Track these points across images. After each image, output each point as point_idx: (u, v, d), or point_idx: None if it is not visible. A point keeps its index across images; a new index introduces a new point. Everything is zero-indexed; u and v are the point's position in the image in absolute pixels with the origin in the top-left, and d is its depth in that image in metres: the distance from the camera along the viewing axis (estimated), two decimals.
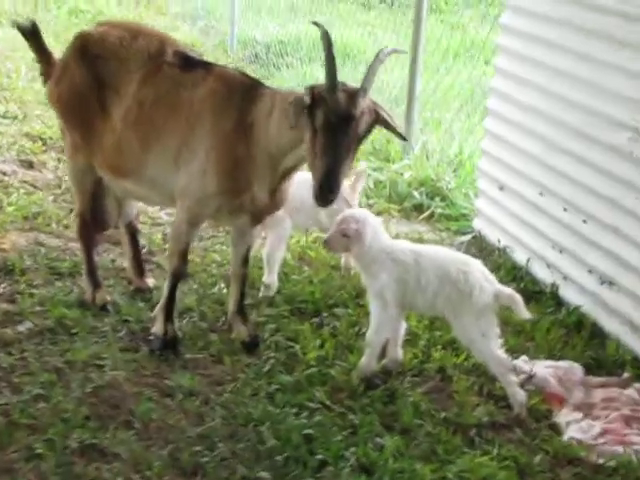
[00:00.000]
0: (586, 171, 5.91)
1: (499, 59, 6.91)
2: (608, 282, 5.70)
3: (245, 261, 5.19)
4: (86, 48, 5.10)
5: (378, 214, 7.24)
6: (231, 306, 5.23)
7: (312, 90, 4.33)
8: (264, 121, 4.65)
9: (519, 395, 4.80)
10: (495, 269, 6.28)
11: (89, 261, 5.42)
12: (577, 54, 5.95)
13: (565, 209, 6.10)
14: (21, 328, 4.97)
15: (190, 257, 5.86)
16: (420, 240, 6.90)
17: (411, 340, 5.32)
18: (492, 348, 4.77)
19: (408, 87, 8.36)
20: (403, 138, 4.88)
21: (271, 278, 5.69)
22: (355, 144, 4.37)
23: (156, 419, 4.42)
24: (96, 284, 5.37)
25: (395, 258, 4.86)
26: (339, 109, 4.22)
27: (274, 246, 5.66)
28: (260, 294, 5.66)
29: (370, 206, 7.62)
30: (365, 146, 8.31)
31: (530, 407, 4.80)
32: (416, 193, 7.80)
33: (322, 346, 5.15)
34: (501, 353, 4.79)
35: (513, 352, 5.26)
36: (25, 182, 7.20)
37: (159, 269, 5.91)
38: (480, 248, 6.88)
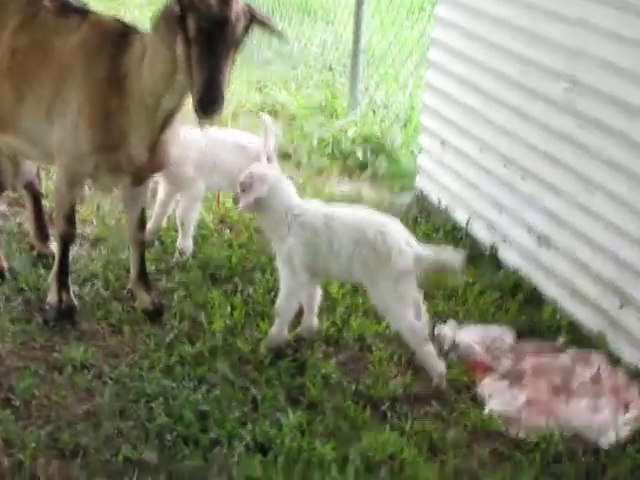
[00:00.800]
0: (524, 125, 5.58)
1: (440, 8, 6.53)
2: (546, 243, 5.36)
3: (141, 225, 4.85)
4: None
5: (319, 172, 6.94)
6: (133, 273, 4.89)
7: (182, 1, 3.96)
8: (136, 68, 4.30)
9: (438, 366, 4.48)
10: (434, 230, 5.97)
11: None
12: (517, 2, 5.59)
13: (504, 165, 5.74)
14: None
15: (104, 220, 5.57)
16: (358, 199, 6.55)
17: (330, 307, 4.99)
18: (407, 315, 4.44)
19: (353, 40, 7.98)
20: (283, 38, 4.51)
21: (185, 242, 5.37)
22: (233, 50, 4.02)
23: (39, 396, 4.11)
24: None
25: (303, 221, 4.52)
26: (213, 13, 3.89)
27: (187, 209, 5.33)
28: (174, 259, 5.32)
29: (311, 164, 7.25)
30: (310, 101, 7.98)
31: (452, 378, 4.50)
32: (359, 150, 7.41)
33: (232, 314, 4.78)
34: (416, 321, 4.45)
35: (441, 317, 4.95)
36: None
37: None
38: (421, 208, 6.53)
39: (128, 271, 5.09)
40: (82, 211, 5.84)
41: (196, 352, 4.50)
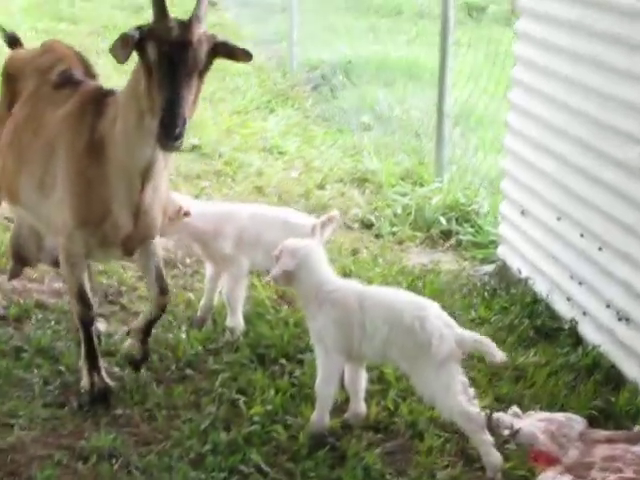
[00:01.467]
0: (599, 192, 5.21)
1: (516, 70, 6.23)
2: (625, 318, 4.93)
3: (162, 289, 4.62)
4: (7, 68, 4.86)
5: (400, 242, 6.67)
6: (140, 322, 4.73)
7: (140, 27, 3.86)
8: (110, 129, 4.16)
9: (493, 456, 4.11)
10: (513, 303, 5.61)
11: None
12: (589, 60, 5.24)
13: (582, 235, 5.36)
14: None
15: None
16: (436, 270, 6.24)
17: (382, 391, 4.65)
18: (458, 402, 4.09)
19: (437, 104, 7.70)
20: (249, 57, 4.13)
21: (234, 321, 5.15)
22: (196, 76, 3.87)
23: None
24: None
25: (335, 298, 4.24)
26: (172, 37, 3.80)
27: (231, 287, 5.13)
28: (224, 338, 5.08)
29: (393, 234, 7.00)
30: (398, 168, 7.73)
31: (510, 469, 4.11)
32: (443, 219, 7.10)
33: (275, 399, 4.52)
34: (470, 407, 4.10)
35: (505, 401, 4.57)
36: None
37: (124, 311, 5.38)
38: (501, 279, 6.16)
39: (175, 352, 4.91)
40: (140, 286, 5.70)
41: (230, 440, 4.25)
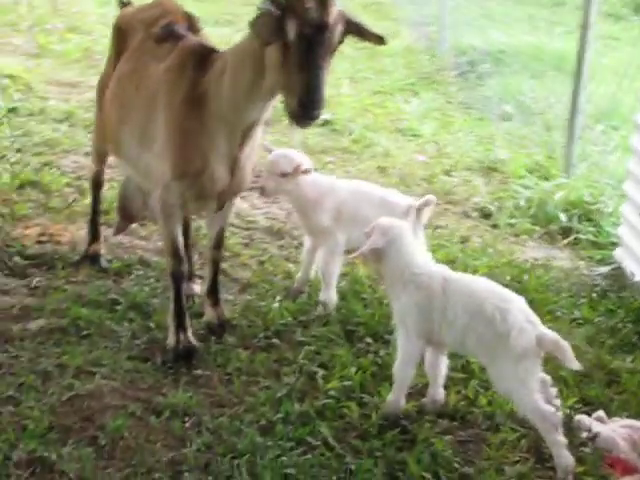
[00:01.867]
0: None
1: None
2: None
3: (218, 243, 4.81)
4: (117, 22, 5.00)
5: (517, 235, 6.55)
6: (204, 287, 4.86)
7: (276, 1, 3.81)
8: (215, 85, 4.21)
9: (565, 458, 4.00)
10: (618, 307, 5.44)
11: (93, 212, 5.42)
12: None
13: None
14: (31, 325, 4.70)
15: (261, 266, 5.48)
16: (548, 266, 6.10)
17: (464, 380, 4.59)
18: (534, 400, 4.00)
19: (571, 99, 7.48)
20: (381, 41, 4.08)
21: (327, 295, 5.14)
22: (331, 56, 3.88)
23: (127, 437, 4.00)
24: (94, 236, 5.40)
25: (420, 281, 4.19)
26: (313, 18, 3.77)
27: (327, 261, 5.11)
28: (316, 312, 5.10)
29: (511, 225, 6.86)
30: (525, 161, 7.60)
31: (581, 473, 4.01)
32: (564, 215, 6.92)
33: (354, 375, 4.51)
34: (545, 406, 4.00)
35: (591, 405, 4.46)
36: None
37: (224, 276, 5.45)
38: (614, 281, 5.97)
39: (265, 320, 4.95)
40: (244, 254, 5.77)
41: (302, 411, 4.26)
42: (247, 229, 6.20)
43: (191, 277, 5.24)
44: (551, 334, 4.02)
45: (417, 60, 11.97)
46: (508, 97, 10.41)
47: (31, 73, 8.21)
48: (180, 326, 4.58)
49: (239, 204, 6.52)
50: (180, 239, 4.58)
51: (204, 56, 4.36)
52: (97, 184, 5.38)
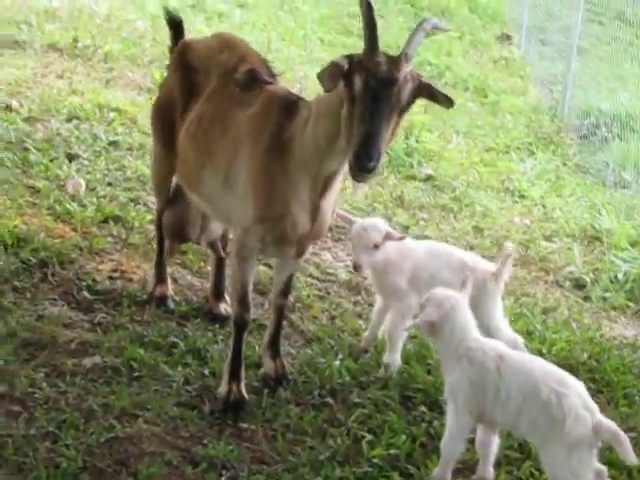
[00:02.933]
0: None
1: None
2: None
3: (285, 291, 4.76)
4: (184, 56, 4.98)
5: (609, 310, 6.30)
6: (266, 336, 4.80)
7: (350, 56, 3.88)
8: (300, 133, 4.22)
9: None
10: None
11: (159, 253, 5.40)
12: None
13: None
14: (86, 361, 4.68)
15: (331, 320, 5.40)
16: (636, 345, 5.84)
17: (518, 460, 4.40)
18: None
19: None
20: (451, 103, 4.02)
21: (391, 358, 5.01)
22: (397, 113, 3.86)
23: None
24: (160, 278, 5.36)
25: (473, 357, 4.04)
26: (380, 72, 3.80)
27: (396, 323, 4.96)
28: (378, 373, 4.97)
29: (604, 299, 6.61)
30: (632, 232, 7.33)
31: None
32: None
33: (404, 444, 4.36)
34: None
35: None
36: None
37: (291, 328, 5.39)
38: None
39: (321, 376, 4.85)
40: (316, 306, 5.70)
41: (342, 476, 4.15)
42: (324, 281, 6.11)
43: (220, 296, 5.29)
44: (609, 424, 3.82)
45: (539, 119, 11.72)
46: (628, 163, 10.09)
47: (139, 107, 8.32)
48: (234, 376, 4.53)
49: (322, 255, 6.45)
50: (250, 287, 4.53)
51: (290, 103, 4.38)
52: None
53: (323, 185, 4.29)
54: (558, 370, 4.06)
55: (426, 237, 6.96)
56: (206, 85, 4.79)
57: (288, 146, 4.27)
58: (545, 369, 4.03)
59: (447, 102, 4.01)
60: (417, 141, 9.12)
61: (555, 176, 9.67)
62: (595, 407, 3.88)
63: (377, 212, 7.26)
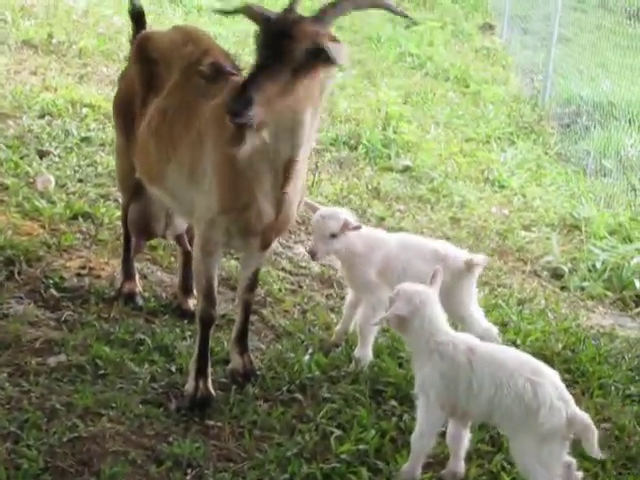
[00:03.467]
0: None
1: None
2: None
3: (252, 286, 4.69)
4: (144, 48, 4.91)
5: (587, 299, 6.25)
6: (233, 332, 4.73)
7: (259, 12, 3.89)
8: None
9: None
10: None
11: (126, 250, 5.34)
12: None
13: None
14: (50, 360, 4.61)
15: (303, 314, 5.35)
16: (613, 335, 5.79)
17: (490, 453, 4.34)
18: None
19: None
20: (339, 61, 3.85)
21: (362, 352, 4.95)
22: (286, 70, 3.72)
23: None
24: (128, 274, 5.31)
25: (444, 350, 3.98)
26: (272, 26, 3.77)
27: (367, 317, 4.90)
28: (349, 367, 4.91)
29: (582, 288, 6.56)
30: (610, 221, 7.28)
31: None
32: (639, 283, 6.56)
33: (372, 439, 4.30)
34: None
35: None
36: None
37: (262, 323, 5.33)
38: None
39: (290, 371, 4.79)
40: (287, 301, 5.63)
41: (309, 473, 4.08)
42: (297, 275, 6.04)
43: (189, 292, 5.24)
44: (583, 416, 3.77)
45: (520, 109, 11.66)
46: (609, 152, 10.03)
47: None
48: (201, 373, 4.46)
49: (295, 248, 6.39)
50: (215, 282, 4.45)
51: None
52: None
53: (284, 172, 4.17)
54: (532, 359, 4.01)
55: (401, 229, 6.89)
56: (167, 78, 4.72)
57: None
58: (519, 359, 3.98)
59: (340, 62, 3.85)
60: (395, 132, 9.07)
61: (536, 165, 9.63)
62: (570, 398, 3.83)
63: (352, 204, 7.21)
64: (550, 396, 3.78)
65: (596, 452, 3.73)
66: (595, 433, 3.75)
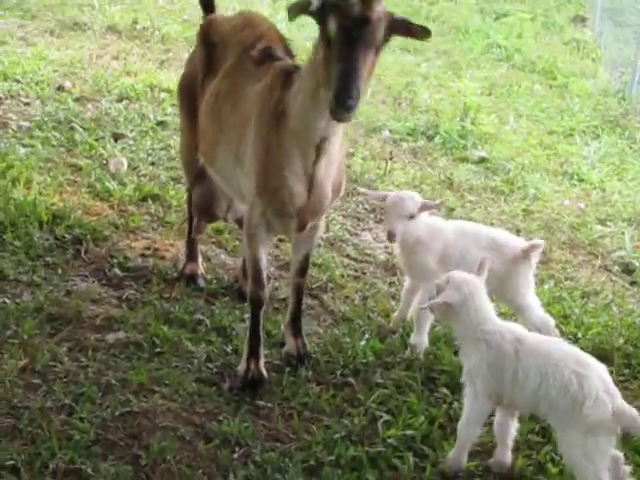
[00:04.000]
0: None
1: None
2: None
3: (302, 270, 4.74)
4: (207, 32, 5.01)
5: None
6: (287, 316, 4.78)
7: None
8: (292, 103, 4.21)
9: None
10: None
11: (190, 232, 5.39)
12: None
13: None
14: (110, 337, 4.72)
15: (363, 301, 5.36)
16: None
17: (539, 444, 4.32)
18: (599, 478, 3.70)
19: None
20: (427, 33, 3.97)
21: (418, 338, 4.95)
22: (373, 52, 3.85)
23: (170, 461, 3.94)
24: (191, 256, 5.38)
25: (490, 340, 3.98)
26: (353, 12, 3.78)
27: (424, 303, 4.89)
28: (405, 354, 4.93)
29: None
30: None
31: None
32: None
33: (421, 425, 4.32)
34: None
35: None
36: None
37: (322, 308, 5.37)
38: None
39: (346, 357, 4.82)
40: (349, 287, 5.65)
41: (355, 456, 4.10)
42: (361, 261, 6.06)
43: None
44: (630, 410, 3.74)
45: (606, 102, 11.46)
46: None
47: None
48: (253, 354, 4.53)
49: (362, 235, 6.41)
50: (264, 264, 4.51)
51: (288, 75, 4.35)
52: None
53: (316, 152, 4.22)
54: (578, 351, 3.98)
55: (472, 219, 6.85)
56: (223, 62, 4.81)
57: (283, 116, 4.24)
58: (564, 350, 3.95)
59: (424, 33, 3.97)
60: (473, 123, 9.00)
61: (619, 159, 9.44)
62: (616, 392, 3.79)
63: (423, 193, 7.15)
64: (596, 388, 3.75)
65: None
66: None
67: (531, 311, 4.82)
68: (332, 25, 3.83)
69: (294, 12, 3.90)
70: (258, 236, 4.47)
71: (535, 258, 4.88)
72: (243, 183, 4.47)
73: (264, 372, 4.55)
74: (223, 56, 4.82)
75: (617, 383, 4.59)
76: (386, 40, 3.90)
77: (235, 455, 4.08)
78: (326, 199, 4.44)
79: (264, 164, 4.28)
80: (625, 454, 4.05)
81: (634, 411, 3.75)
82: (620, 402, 3.75)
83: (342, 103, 3.76)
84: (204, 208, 5.25)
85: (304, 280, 4.81)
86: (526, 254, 4.82)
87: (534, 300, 4.91)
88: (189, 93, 5.06)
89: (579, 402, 3.73)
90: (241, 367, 4.54)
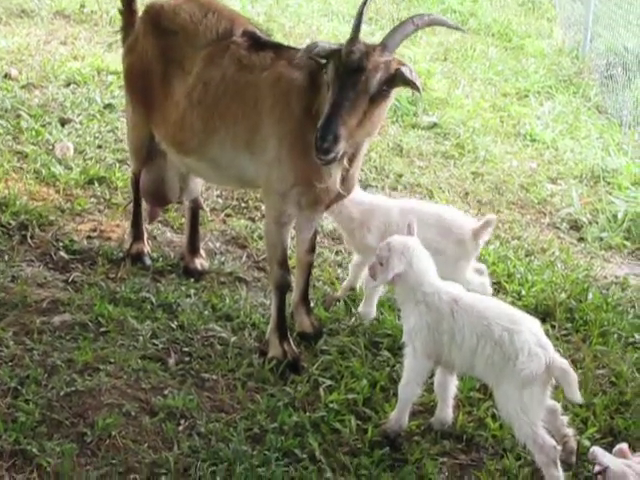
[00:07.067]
0: None
1: None
2: None
3: (311, 248, 4.85)
4: (157, 20, 4.97)
5: (604, 250, 6.24)
6: (295, 295, 4.85)
7: (333, 49, 4.14)
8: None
9: None
10: None
11: (135, 214, 5.45)
12: None
13: None
14: (55, 319, 4.78)
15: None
16: (624, 284, 5.79)
17: (479, 400, 4.42)
18: (534, 429, 3.84)
19: None
20: (418, 90, 4.17)
21: (366, 309, 5.05)
22: (365, 101, 4.02)
23: (116, 436, 4.01)
24: (137, 236, 5.43)
25: (429, 302, 4.06)
26: (348, 61, 4.02)
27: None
28: (351, 322, 5.00)
29: (600, 239, 6.54)
30: (634, 171, 7.21)
31: None
32: None
33: (364, 388, 4.41)
34: (546, 437, 3.84)
35: (618, 437, 4.23)
36: None
37: (267, 280, 5.42)
38: None
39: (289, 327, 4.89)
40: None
41: (298, 422, 4.20)
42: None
43: (195, 251, 5.39)
44: (561, 361, 3.84)
45: (560, 62, 11.52)
46: None
47: None
48: (284, 337, 4.62)
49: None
50: (288, 249, 4.66)
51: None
52: (138, 184, 5.41)
53: (353, 152, 4.37)
54: (511, 309, 4.09)
55: (419, 185, 6.94)
56: (189, 51, 4.80)
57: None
58: (498, 308, 4.04)
59: (417, 90, 4.17)
60: (423, 89, 9.00)
61: (573, 118, 9.50)
62: (549, 344, 3.90)
63: (372, 162, 7.24)
64: (528, 342, 3.83)
65: (576, 397, 3.78)
66: (575, 378, 3.81)
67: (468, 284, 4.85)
68: (330, 70, 4.06)
69: (302, 57, 4.24)
70: (288, 224, 4.59)
71: (486, 237, 4.91)
72: (265, 173, 4.52)
73: (298, 352, 4.66)
74: (188, 45, 4.81)
75: (559, 337, 4.74)
76: (385, 91, 4.04)
77: (180, 427, 4.16)
78: (354, 187, 4.64)
79: (304, 161, 4.35)
80: (565, 405, 4.15)
81: (565, 362, 3.85)
82: (552, 354, 3.85)
83: (318, 145, 3.96)
84: (155, 194, 5.30)
85: (313, 257, 4.91)
86: (476, 235, 4.85)
87: (470, 273, 4.97)
88: (142, 85, 5.04)
89: (512, 357, 3.83)
90: (276, 353, 4.61)
